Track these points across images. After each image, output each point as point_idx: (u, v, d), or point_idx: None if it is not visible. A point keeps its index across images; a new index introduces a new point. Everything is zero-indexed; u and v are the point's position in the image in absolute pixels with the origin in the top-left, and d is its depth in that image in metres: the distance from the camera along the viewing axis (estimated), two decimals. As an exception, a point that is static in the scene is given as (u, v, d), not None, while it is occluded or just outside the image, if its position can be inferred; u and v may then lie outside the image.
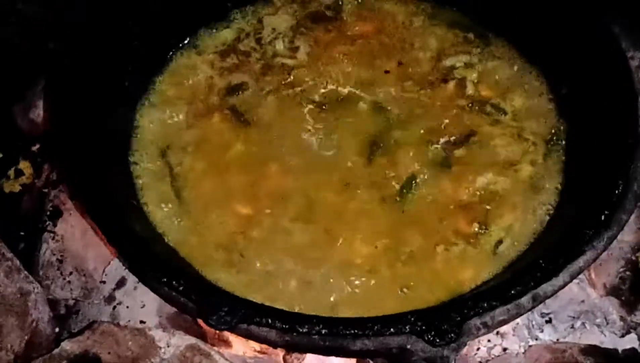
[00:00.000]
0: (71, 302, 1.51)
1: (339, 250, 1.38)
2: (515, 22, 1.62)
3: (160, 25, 1.61)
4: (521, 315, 1.22)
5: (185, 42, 1.67)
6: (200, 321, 1.35)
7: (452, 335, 1.14)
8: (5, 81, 1.71)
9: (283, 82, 1.59)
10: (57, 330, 1.47)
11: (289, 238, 1.40)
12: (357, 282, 1.35)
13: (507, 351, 1.46)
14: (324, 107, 1.55)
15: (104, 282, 1.52)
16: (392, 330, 1.15)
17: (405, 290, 1.35)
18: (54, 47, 1.64)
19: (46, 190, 1.59)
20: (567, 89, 1.54)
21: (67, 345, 1.27)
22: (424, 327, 1.14)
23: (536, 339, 1.47)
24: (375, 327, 1.15)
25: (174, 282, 1.19)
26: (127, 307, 1.48)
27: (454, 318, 1.16)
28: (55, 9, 1.79)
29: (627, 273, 1.51)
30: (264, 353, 1.45)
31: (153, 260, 1.25)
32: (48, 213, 1.56)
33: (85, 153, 1.35)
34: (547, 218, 1.41)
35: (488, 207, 1.42)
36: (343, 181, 1.45)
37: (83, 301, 1.49)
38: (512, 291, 1.19)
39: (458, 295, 1.32)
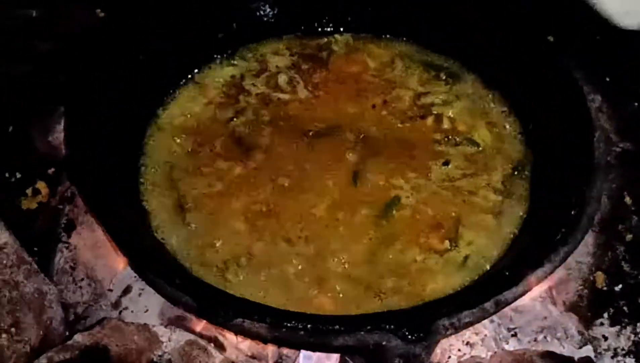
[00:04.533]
0: (80, 310, 1.64)
1: (325, 260, 1.53)
2: (486, 63, 1.82)
3: (169, 61, 1.81)
4: (485, 318, 1.34)
5: (192, 75, 1.86)
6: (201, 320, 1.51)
7: (423, 333, 1.26)
8: (25, 107, 1.89)
9: (280, 115, 1.78)
10: (67, 333, 1.60)
11: (281, 251, 1.54)
12: (338, 288, 1.50)
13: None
14: (315, 136, 1.72)
15: (111, 290, 1.66)
16: (369, 327, 1.27)
17: (382, 296, 1.49)
18: (65, 79, 1.81)
19: (61, 206, 1.75)
20: (533, 124, 1.72)
21: (79, 338, 1.41)
22: (398, 325, 1.26)
23: (502, 350, 1.59)
24: (355, 324, 1.28)
25: (177, 282, 1.34)
26: (132, 312, 1.62)
27: (425, 318, 1.29)
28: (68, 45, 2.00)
29: (585, 291, 1.65)
30: (254, 358, 1.59)
31: (160, 264, 1.41)
32: (63, 225, 1.71)
33: (99, 174, 1.51)
34: (511, 236, 1.57)
35: (457, 227, 1.58)
36: (331, 201, 1.61)
37: (92, 306, 1.63)
38: (478, 296, 1.32)
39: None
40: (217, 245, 1.56)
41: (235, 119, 1.77)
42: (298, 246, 1.55)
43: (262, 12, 1.92)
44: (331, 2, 1.96)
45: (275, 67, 1.88)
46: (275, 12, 1.92)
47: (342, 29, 1.96)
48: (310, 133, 1.73)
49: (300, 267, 1.52)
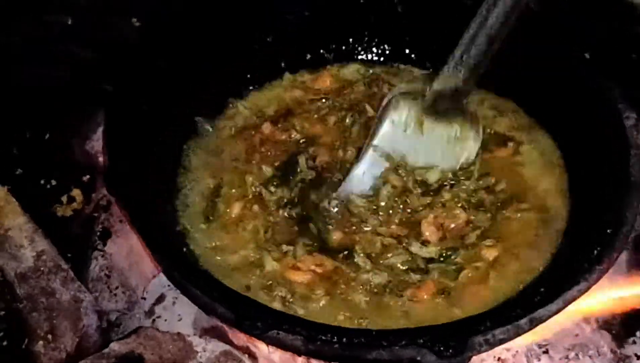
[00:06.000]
0: (113, 318, 1.66)
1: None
2: (520, 81, 1.83)
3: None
4: (519, 335, 1.35)
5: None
6: (234, 329, 1.52)
7: (458, 348, 1.26)
8: (62, 115, 1.91)
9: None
10: (101, 341, 1.62)
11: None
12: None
13: (507, 375, 1.60)
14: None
15: (145, 299, 1.68)
16: (404, 342, 1.27)
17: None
18: (110, 89, 1.83)
19: (96, 214, 1.77)
20: (570, 143, 1.73)
21: (115, 346, 1.43)
22: (433, 341, 1.26)
23: (533, 366, 1.61)
24: (390, 339, 1.29)
25: (215, 294, 1.35)
26: (165, 320, 1.63)
27: (460, 334, 1.29)
28: (108, 54, 2.02)
29: (618, 309, 1.65)
30: (286, 370, 1.60)
31: (196, 275, 1.42)
32: (98, 233, 1.73)
33: (137, 185, 1.54)
34: (547, 255, 1.57)
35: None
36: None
37: (125, 314, 1.64)
38: (513, 314, 1.33)
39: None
40: (246, 260, 1.58)
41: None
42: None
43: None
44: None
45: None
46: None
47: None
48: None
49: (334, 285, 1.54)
